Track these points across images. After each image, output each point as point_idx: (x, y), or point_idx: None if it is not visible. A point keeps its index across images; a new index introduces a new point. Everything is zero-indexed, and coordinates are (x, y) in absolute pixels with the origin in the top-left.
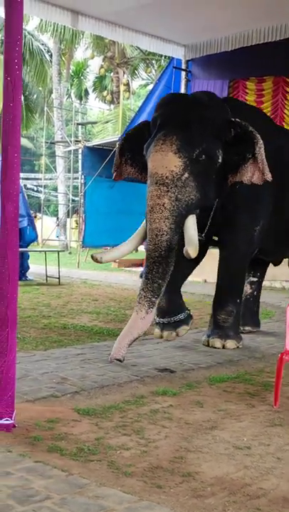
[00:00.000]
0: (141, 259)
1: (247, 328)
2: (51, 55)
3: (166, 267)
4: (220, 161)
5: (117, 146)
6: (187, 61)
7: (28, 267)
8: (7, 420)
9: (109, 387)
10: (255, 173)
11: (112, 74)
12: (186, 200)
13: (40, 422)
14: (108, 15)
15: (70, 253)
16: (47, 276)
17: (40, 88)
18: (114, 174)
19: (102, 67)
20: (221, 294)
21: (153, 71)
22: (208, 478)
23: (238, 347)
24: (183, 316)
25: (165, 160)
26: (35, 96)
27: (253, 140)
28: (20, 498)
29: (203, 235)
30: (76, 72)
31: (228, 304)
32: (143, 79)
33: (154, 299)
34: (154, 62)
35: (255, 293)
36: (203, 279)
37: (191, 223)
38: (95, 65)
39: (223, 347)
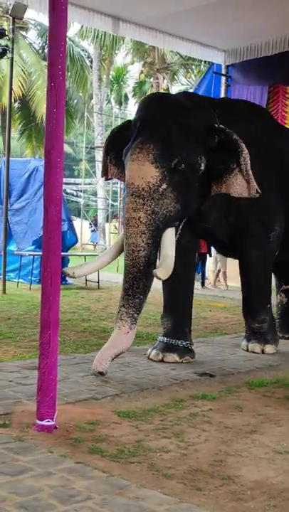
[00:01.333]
0: None
1: (288, 335)
2: (91, 61)
3: (147, 282)
4: (202, 168)
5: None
6: (227, 66)
7: None
8: (48, 421)
9: (149, 391)
10: (242, 185)
11: (151, 79)
12: (164, 212)
13: (81, 424)
14: (149, 21)
15: None
16: (86, 280)
17: (80, 94)
18: (101, 174)
19: (142, 72)
20: (249, 305)
21: (193, 76)
22: (247, 481)
23: (276, 351)
24: (186, 345)
25: (141, 170)
26: (75, 101)
27: (236, 149)
28: (62, 497)
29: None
30: (116, 78)
31: (259, 313)
32: (183, 84)
33: (136, 315)
34: (193, 67)
35: None
36: None
37: (168, 239)
38: (135, 71)
39: (263, 352)
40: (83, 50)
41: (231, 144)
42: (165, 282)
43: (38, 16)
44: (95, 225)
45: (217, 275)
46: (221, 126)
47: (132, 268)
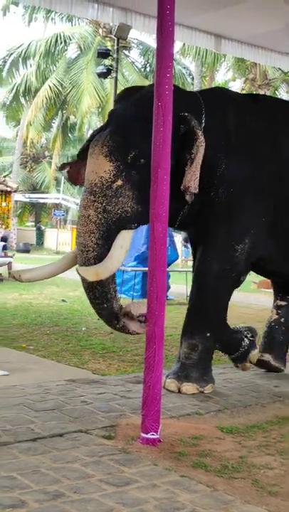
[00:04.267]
0: None
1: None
2: (192, 78)
3: (104, 287)
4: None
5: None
6: None
7: (169, 287)
8: (153, 435)
9: (252, 407)
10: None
11: None
12: (118, 212)
13: (185, 438)
14: (250, 38)
15: None
16: (188, 295)
17: None
18: (67, 174)
19: (243, 89)
20: (185, 325)
21: None
22: None
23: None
24: (245, 344)
25: (95, 164)
26: None
27: (193, 137)
28: (168, 510)
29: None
30: None
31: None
32: None
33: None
34: None
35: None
36: None
37: (119, 242)
38: (236, 87)
39: (179, 391)
40: (184, 67)
41: (189, 132)
42: None
43: (140, 35)
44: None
45: None
46: (185, 114)
47: None
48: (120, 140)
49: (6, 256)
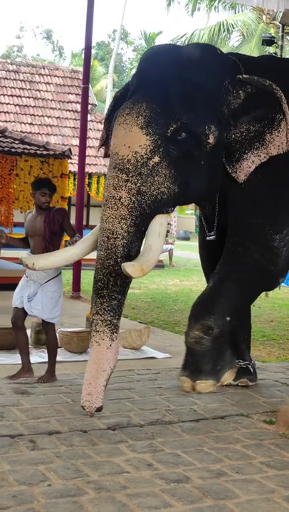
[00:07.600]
0: None
1: None
2: None
3: (126, 278)
4: (211, 141)
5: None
6: None
7: None
8: None
9: None
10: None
11: None
12: (154, 194)
13: None
14: None
15: None
16: None
17: None
18: (101, 150)
19: None
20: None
21: None
22: None
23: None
24: (244, 365)
25: (128, 137)
26: None
27: (275, 96)
28: None
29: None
30: None
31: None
32: None
33: (115, 321)
34: None
35: None
36: None
37: (156, 228)
38: None
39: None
40: None
41: (266, 93)
42: None
43: None
44: None
45: None
46: (245, 76)
47: (107, 260)
48: (159, 110)
49: (166, 243)
